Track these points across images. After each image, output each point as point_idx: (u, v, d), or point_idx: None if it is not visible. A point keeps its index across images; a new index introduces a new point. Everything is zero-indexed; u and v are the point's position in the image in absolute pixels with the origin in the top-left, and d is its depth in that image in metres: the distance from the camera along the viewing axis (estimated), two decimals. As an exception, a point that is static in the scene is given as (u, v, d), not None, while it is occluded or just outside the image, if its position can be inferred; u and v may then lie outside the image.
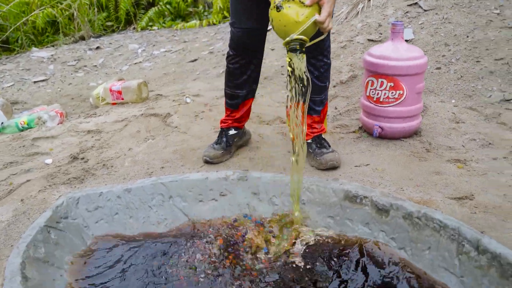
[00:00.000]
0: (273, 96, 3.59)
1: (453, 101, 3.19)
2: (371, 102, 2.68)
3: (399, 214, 2.04)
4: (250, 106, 2.72)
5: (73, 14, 7.66)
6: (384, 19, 4.29)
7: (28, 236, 2.08)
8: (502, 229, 1.88)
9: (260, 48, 2.54)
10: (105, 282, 2.02)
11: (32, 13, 7.44)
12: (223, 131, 2.71)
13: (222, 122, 2.76)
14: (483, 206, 2.04)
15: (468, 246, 1.82)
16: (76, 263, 2.14)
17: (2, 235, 2.16)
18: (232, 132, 2.69)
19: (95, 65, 6.01)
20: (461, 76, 3.35)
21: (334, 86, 3.66)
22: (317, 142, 2.56)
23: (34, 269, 1.93)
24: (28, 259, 1.95)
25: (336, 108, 3.27)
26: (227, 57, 2.59)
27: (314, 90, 2.41)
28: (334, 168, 2.44)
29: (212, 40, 5.86)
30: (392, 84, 2.56)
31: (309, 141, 2.56)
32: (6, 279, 1.82)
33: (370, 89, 2.65)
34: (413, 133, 2.75)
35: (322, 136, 2.61)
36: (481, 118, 2.94)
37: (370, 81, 2.65)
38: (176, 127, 3.24)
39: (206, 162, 2.63)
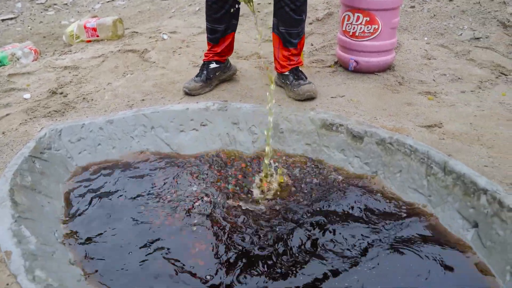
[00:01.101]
0: (250, 33, 3.61)
1: (425, 38, 3.28)
2: (347, 37, 2.75)
3: (372, 140, 2.15)
4: (232, 40, 2.74)
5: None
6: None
7: (14, 165, 2.12)
8: (467, 153, 2.02)
9: None
10: (88, 209, 2.09)
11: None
12: (204, 64, 2.76)
13: (205, 55, 2.80)
14: (450, 133, 2.17)
15: (436, 168, 1.95)
16: (62, 190, 2.21)
17: (-14, 166, 2.20)
18: (213, 65, 2.73)
19: (66, 3, 5.85)
20: (434, 15, 3.43)
21: (310, 24, 3.69)
22: (295, 74, 2.62)
23: (22, 196, 1.98)
24: (15, 186, 1.99)
25: (312, 45, 3.32)
26: None
27: (290, 23, 2.48)
28: (311, 98, 2.53)
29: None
30: (367, 19, 2.62)
31: (286, 73, 2.64)
32: (-4, 203, 1.87)
33: (346, 24, 2.71)
34: (387, 68, 2.83)
35: (299, 68, 2.67)
36: (451, 55, 3.05)
37: (347, 16, 2.70)
38: (154, 62, 3.26)
39: (186, 93, 2.69)
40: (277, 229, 1.84)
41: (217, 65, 2.75)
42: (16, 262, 1.54)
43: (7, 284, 1.48)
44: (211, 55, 2.75)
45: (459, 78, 2.74)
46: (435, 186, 1.94)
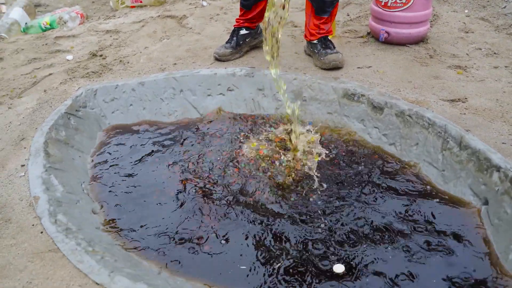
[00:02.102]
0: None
1: (466, 11, 3.19)
2: (379, 7, 2.72)
3: (392, 112, 2.16)
4: (264, 7, 2.75)
5: None
6: None
7: (51, 120, 2.28)
8: (487, 129, 1.99)
9: None
10: (119, 159, 2.23)
11: None
12: (235, 31, 2.81)
13: (236, 21, 2.85)
14: (473, 108, 2.15)
15: (452, 142, 1.95)
16: (93, 145, 2.36)
17: (27, 120, 2.36)
18: (243, 32, 2.79)
19: (116, -31, 5.98)
20: (478, -14, 3.33)
21: (349, -7, 3.66)
22: (323, 43, 2.63)
23: (55, 148, 2.14)
24: (50, 139, 2.16)
25: (348, 15, 3.30)
26: None
27: None
28: (336, 68, 2.55)
29: None
30: (401, -11, 2.59)
31: (315, 41, 2.65)
32: (31, 154, 2.03)
33: (379, -6, 2.69)
34: (420, 40, 2.79)
35: (328, 38, 2.68)
36: (491, 29, 2.96)
37: (380, -14, 2.67)
38: (191, 28, 3.34)
39: (216, 59, 2.76)
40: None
41: (247, 32, 2.79)
42: (41, 206, 1.70)
43: (33, 225, 1.63)
44: (242, 21, 2.79)
45: (494, 53, 2.67)
46: (449, 161, 1.94)
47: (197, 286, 1.53)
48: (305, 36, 2.73)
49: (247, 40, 2.81)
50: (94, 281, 1.38)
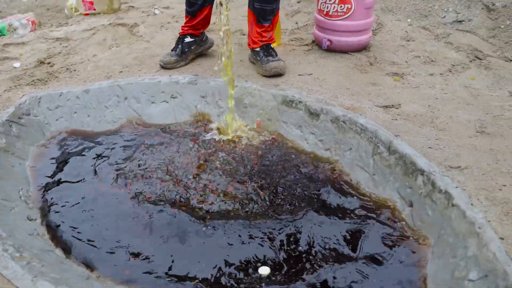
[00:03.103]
0: (240, 10, 3.66)
1: (408, 20, 3.30)
2: (322, 15, 2.79)
3: (328, 118, 2.23)
4: (208, 13, 2.81)
5: None
6: None
7: (-10, 128, 2.27)
8: (416, 134, 2.07)
9: None
10: (61, 167, 2.23)
11: None
12: (180, 38, 2.86)
13: (181, 29, 2.89)
14: (405, 114, 2.23)
15: (382, 147, 2.02)
16: (36, 152, 2.35)
17: (-32, 128, 2.34)
18: (188, 39, 2.83)
19: (73, -24, 5.95)
20: (421, -4, 3.44)
21: (298, 2, 3.74)
22: (265, 51, 2.69)
23: (-6, 157, 2.13)
24: (-12, 148, 2.14)
25: (296, 23, 3.37)
26: None
27: None
28: (278, 75, 2.61)
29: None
30: (341, -2, 2.67)
31: (257, 49, 2.71)
32: (-34, 161, 2.02)
33: (321, 2, 2.76)
34: (362, 48, 2.87)
35: (271, 45, 2.73)
36: (431, 37, 3.07)
37: (322, -5, 2.75)
38: (141, 36, 3.36)
39: (162, 67, 2.80)
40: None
41: (192, 39, 2.83)
42: (-30, 213, 1.69)
43: (-40, 234, 1.62)
44: (186, 28, 2.83)
45: (432, 61, 2.77)
46: (379, 165, 2.02)
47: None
48: (248, 45, 2.78)
49: (192, 47, 2.84)
50: (17, 286, 1.39)
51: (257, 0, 2.61)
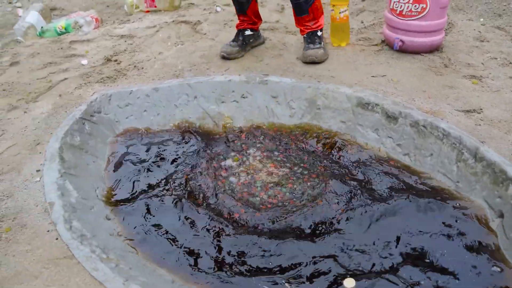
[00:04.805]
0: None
1: (481, 19, 3.17)
2: (394, 15, 2.71)
3: (406, 122, 2.15)
4: (256, 8, 2.94)
5: None
6: None
7: (66, 125, 2.31)
8: (502, 141, 1.97)
9: None
10: (129, 170, 2.25)
11: None
12: (240, 31, 2.95)
13: (238, 26, 2.98)
14: (488, 119, 2.13)
15: (467, 154, 1.93)
16: (107, 151, 2.38)
17: (43, 124, 2.38)
18: (248, 32, 2.94)
19: (131, -27, 6.03)
20: (494, -6, 3.30)
21: (363, 0, 3.65)
22: (309, 37, 2.82)
23: (70, 154, 2.16)
24: (65, 144, 2.18)
25: (362, 22, 3.29)
26: None
27: None
28: (313, 62, 2.73)
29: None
30: (416, -3, 2.58)
31: (304, 36, 2.85)
32: (46, 160, 2.05)
33: (394, 2, 2.67)
34: (435, 49, 2.77)
35: (317, 32, 2.82)
36: (507, 38, 2.93)
37: (395, -6, 2.66)
38: (205, 33, 3.35)
39: (223, 57, 2.88)
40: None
41: (252, 32, 2.95)
42: (56, 212, 1.71)
43: (48, 231, 1.64)
44: (245, 24, 2.94)
45: (510, 63, 2.64)
46: (464, 172, 1.93)
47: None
48: (300, 31, 2.92)
49: (251, 40, 2.96)
50: (108, 289, 1.39)
51: None
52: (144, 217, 1.92)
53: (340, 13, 2.80)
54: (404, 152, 2.15)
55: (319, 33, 2.82)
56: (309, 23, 2.81)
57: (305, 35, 2.84)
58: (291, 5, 2.82)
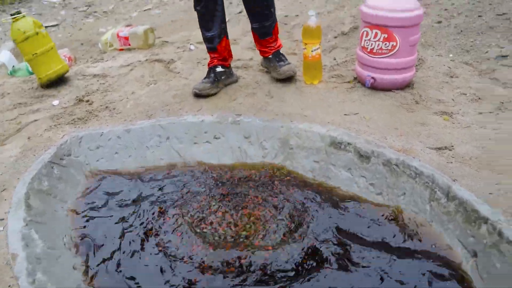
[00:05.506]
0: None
1: (450, 55, 3.23)
2: (365, 53, 2.74)
3: (379, 161, 2.15)
4: (228, 45, 2.98)
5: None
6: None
7: (33, 170, 2.25)
8: (474, 178, 1.98)
9: None
10: (101, 214, 2.19)
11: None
12: (211, 69, 2.96)
13: (209, 64, 3.00)
14: (460, 157, 2.14)
15: (440, 193, 1.93)
16: (76, 195, 2.32)
17: (10, 169, 2.32)
18: (219, 69, 2.95)
19: (105, 11, 6.06)
20: (461, 31, 3.37)
21: (335, 37, 3.70)
22: (276, 57, 3.01)
23: (38, 200, 2.10)
24: (32, 190, 2.12)
25: (334, 59, 3.32)
26: (194, 4, 2.83)
27: (262, 18, 2.88)
28: (291, 77, 2.93)
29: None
30: (385, 35, 2.60)
31: (270, 56, 3.02)
32: (12, 206, 2.00)
33: (365, 40, 2.70)
34: (406, 85, 2.80)
35: (280, 51, 3.05)
36: (475, 73, 2.98)
37: (365, 32, 2.69)
38: (179, 72, 3.35)
39: (196, 94, 2.86)
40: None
41: (223, 69, 2.96)
42: (20, 264, 1.65)
43: (9, 286, 1.57)
44: (215, 60, 2.96)
45: (479, 98, 2.68)
46: (437, 212, 1.92)
47: None
48: (261, 54, 3.11)
49: (222, 77, 2.95)
50: None
51: (254, 22, 2.92)
52: (117, 266, 1.85)
53: (312, 51, 2.82)
54: (377, 192, 2.14)
55: (281, 51, 3.06)
56: (272, 44, 3.01)
57: (270, 56, 3.02)
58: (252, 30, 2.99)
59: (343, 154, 2.25)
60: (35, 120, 2.84)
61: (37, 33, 3.19)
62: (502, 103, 2.63)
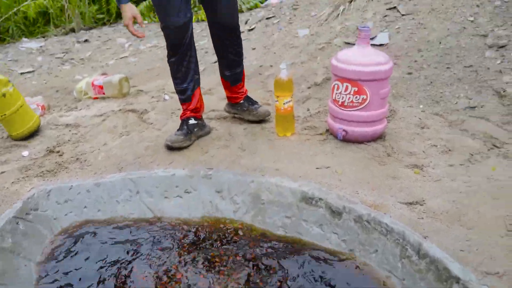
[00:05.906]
0: (251, 94, 3.66)
1: (421, 106, 3.28)
2: (336, 106, 2.77)
3: (350, 217, 2.13)
4: (200, 96, 3.00)
5: (64, 6, 7.70)
6: (363, 22, 4.37)
7: (-3, 226, 2.18)
8: (445, 234, 1.97)
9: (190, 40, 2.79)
10: (69, 272, 2.11)
11: (24, 3, 7.47)
12: (184, 121, 2.94)
13: (181, 116, 2.98)
14: (431, 211, 2.14)
15: (411, 250, 1.92)
16: (43, 253, 2.24)
17: (-27, 225, 2.24)
18: (192, 121, 2.93)
19: (82, 58, 6.06)
20: (431, 82, 3.44)
21: (309, 88, 3.74)
22: (248, 101, 3.17)
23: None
24: (-6, 249, 2.04)
25: (308, 110, 3.35)
26: (168, 56, 2.83)
27: (234, 65, 3.01)
28: (266, 117, 3.14)
29: (198, 37, 5.89)
30: (356, 89, 2.64)
31: (241, 101, 3.16)
32: (-29, 268, 1.91)
33: (336, 93, 2.74)
34: (378, 137, 2.83)
35: (248, 95, 3.21)
36: (445, 124, 3.03)
37: (336, 85, 2.73)
38: (152, 123, 3.33)
39: (168, 146, 2.83)
40: None
41: (195, 121, 2.94)
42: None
43: None
44: (188, 112, 2.94)
45: (449, 150, 2.72)
46: (409, 269, 1.90)
47: None
48: (231, 101, 3.20)
49: (195, 129, 2.93)
50: None
51: (226, 70, 3.03)
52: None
53: (284, 104, 2.84)
54: (349, 248, 2.11)
55: (249, 96, 3.21)
56: (242, 90, 3.15)
57: (242, 101, 3.15)
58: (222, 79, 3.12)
59: (314, 209, 2.23)
60: (3, 172, 2.78)
61: (4, 95, 3.11)
62: (472, 154, 2.67)
